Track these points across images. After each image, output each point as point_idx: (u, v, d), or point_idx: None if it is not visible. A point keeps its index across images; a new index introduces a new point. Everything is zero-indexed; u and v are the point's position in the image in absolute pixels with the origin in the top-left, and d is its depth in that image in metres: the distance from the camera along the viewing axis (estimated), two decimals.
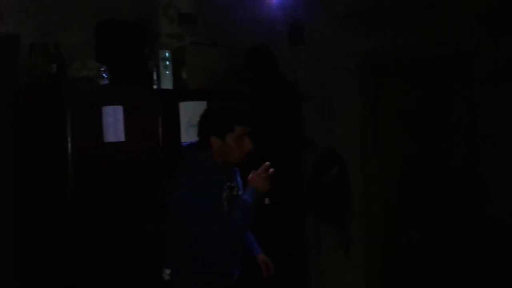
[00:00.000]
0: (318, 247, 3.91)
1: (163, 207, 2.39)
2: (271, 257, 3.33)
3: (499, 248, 3.01)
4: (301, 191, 3.90)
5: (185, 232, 2.26)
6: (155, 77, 3.28)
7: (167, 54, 3.31)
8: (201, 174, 2.25)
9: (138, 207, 3.02)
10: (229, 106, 2.33)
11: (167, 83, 3.30)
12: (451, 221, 3.23)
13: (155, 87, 3.28)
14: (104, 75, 2.98)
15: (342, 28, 3.65)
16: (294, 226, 3.92)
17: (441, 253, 3.28)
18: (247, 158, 2.34)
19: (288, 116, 3.87)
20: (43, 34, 3.11)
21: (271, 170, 2.33)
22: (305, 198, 3.86)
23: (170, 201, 2.33)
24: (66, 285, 2.81)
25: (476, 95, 3.12)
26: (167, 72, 3.30)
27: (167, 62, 3.30)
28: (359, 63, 3.61)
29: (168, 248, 2.38)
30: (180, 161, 2.35)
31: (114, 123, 2.91)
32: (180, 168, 2.33)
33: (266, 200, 3.50)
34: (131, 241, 2.98)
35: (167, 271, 2.34)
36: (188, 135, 3.20)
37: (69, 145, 2.73)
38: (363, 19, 3.55)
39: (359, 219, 3.70)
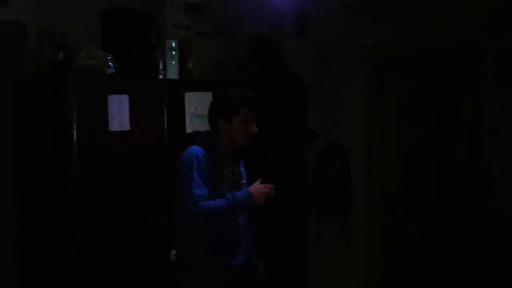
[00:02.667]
0: (320, 239, 3.92)
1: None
2: (274, 248, 3.34)
3: (499, 242, 3.02)
4: (305, 183, 3.90)
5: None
6: (161, 67, 3.28)
7: (173, 44, 3.30)
8: (203, 152, 2.34)
9: (143, 196, 3.03)
10: (235, 91, 2.45)
11: (173, 73, 3.30)
12: (452, 215, 3.24)
13: (161, 77, 3.28)
14: (110, 64, 2.98)
15: (348, 20, 3.64)
16: (297, 218, 3.93)
17: (441, 246, 3.29)
18: (253, 142, 2.46)
19: (293, 108, 3.87)
20: (50, 22, 3.10)
21: (272, 191, 2.36)
22: (309, 191, 3.87)
23: (174, 182, 2.41)
24: (70, 273, 2.82)
25: (481, 89, 3.11)
26: (173, 62, 3.29)
27: (173, 52, 3.29)
28: (365, 56, 3.60)
29: (174, 229, 2.46)
30: (189, 144, 2.43)
31: (119, 112, 2.90)
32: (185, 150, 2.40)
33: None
34: (136, 230, 2.99)
35: (173, 252, 2.44)
36: (193, 125, 3.20)
37: (74, 133, 2.73)
38: (369, 12, 3.54)
39: (361, 212, 3.71)
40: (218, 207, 2.27)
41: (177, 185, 2.36)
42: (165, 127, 3.14)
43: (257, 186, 2.36)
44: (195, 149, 2.35)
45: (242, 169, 2.57)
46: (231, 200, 2.29)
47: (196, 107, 3.20)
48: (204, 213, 2.25)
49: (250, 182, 2.48)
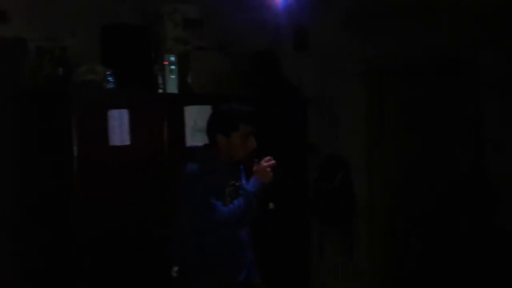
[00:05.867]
0: (322, 252, 3.90)
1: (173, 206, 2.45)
2: (275, 261, 3.31)
3: (503, 254, 3.00)
4: (306, 195, 3.89)
5: (190, 228, 2.34)
6: (160, 81, 3.29)
7: (172, 59, 3.32)
8: (204, 168, 2.33)
9: (143, 210, 3.03)
10: (235, 106, 2.44)
11: (172, 87, 3.31)
12: (455, 226, 3.22)
13: (160, 91, 3.29)
14: (109, 79, 2.99)
15: (346, 33, 3.66)
16: (298, 231, 3.92)
17: (445, 259, 3.27)
18: (251, 157, 2.45)
19: (293, 121, 3.87)
20: (50, 38, 3.12)
21: (273, 161, 2.46)
22: (310, 203, 3.86)
23: (176, 198, 2.40)
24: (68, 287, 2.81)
25: (482, 99, 3.12)
26: (173, 76, 3.31)
27: (173, 66, 3.31)
28: (364, 67, 3.61)
29: (175, 245, 2.45)
30: (187, 159, 2.42)
31: (119, 126, 2.92)
32: (186, 165, 2.38)
33: (271, 205, 3.51)
34: (136, 244, 2.98)
35: (175, 268, 2.42)
36: (193, 139, 3.20)
37: (75, 148, 2.74)
38: (367, 24, 3.55)
39: (363, 224, 3.69)
40: (237, 206, 2.33)
41: (180, 202, 2.37)
42: (165, 141, 3.14)
43: (257, 168, 2.44)
44: (194, 169, 2.34)
45: (243, 181, 2.54)
46: (246, 193, 2.36)
47: (196, 121, 3.21)
48: (227, 217, 2.29)
49: None
